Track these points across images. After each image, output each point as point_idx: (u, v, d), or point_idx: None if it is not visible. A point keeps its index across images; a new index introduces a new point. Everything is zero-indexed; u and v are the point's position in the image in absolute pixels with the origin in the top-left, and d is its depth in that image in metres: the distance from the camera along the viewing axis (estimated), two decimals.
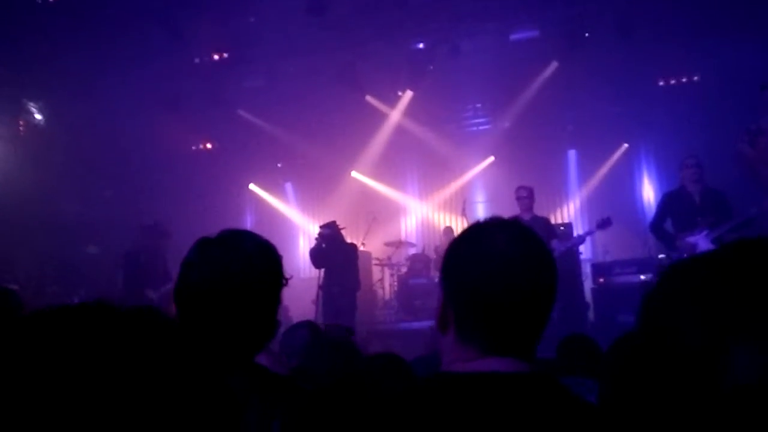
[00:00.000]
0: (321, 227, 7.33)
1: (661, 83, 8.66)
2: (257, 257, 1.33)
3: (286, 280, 1.38)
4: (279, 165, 11.28)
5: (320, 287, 7.12)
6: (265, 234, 1.44)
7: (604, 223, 6.59)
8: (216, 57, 8.68)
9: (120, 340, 0.51)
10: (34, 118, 9.29)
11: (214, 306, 1.26)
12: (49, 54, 7.88)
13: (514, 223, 1.11)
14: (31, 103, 9.23)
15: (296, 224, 11.63)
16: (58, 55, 7.93)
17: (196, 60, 8.72)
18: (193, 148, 10.75)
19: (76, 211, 8.82)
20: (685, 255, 5.62)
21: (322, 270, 7.14)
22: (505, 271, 1.02)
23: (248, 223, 10.97)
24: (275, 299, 1.35)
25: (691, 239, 5.61)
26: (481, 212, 10.20)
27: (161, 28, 7.80)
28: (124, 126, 8.81)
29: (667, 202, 6.02)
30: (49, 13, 7.39)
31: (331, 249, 7.11)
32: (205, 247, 1.34)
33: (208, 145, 10.76)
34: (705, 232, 5.53)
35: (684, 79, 8.54)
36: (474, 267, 1.05)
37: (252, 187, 11.54)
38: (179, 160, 10.18)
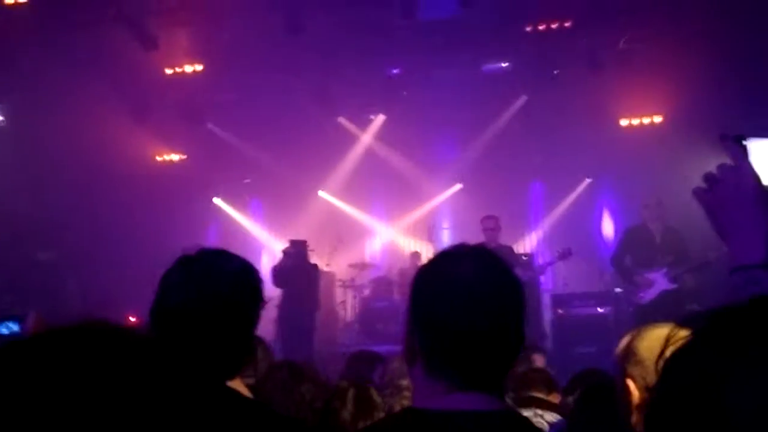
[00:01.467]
0: (289, 245, 7.26)
1: (624, 123, 8.95)
2: (241, 278, 1.31)
3: (265, 302, 1.37)
4: (246, 181, 11.16)
5: (279, 307, 7.02)
6: (228, 250, 1.42)
7: (564, 254, 6.72)
8: (189, 69, 8.59)
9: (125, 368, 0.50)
10: None
11: (196, 326, 1.23)
12: (14, 56, 7.67)
13: (482, 251, 1.09)
14: None
15: (260, 241, 11.48)
16: (23, 57, 7.73)
17: (168, 71, 8.62)
18: (158, 159, 10.56)
19: (31, 216, 8.53)
20: (642, 290, 5.77)
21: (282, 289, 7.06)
22: (473, 302, 1.00)
23: (211, 238, 10.77)
24: (255, 320, 1.34)
25: (650, 276, 5.76)
26: (446, 238, 10.27)
27: (133, 37, 7.69)
28: (87, 132, 8.61)
29: (628, 238, 6.19)
30: (15, 16, 7.21)
31: (295, 269, 7.04)
32: (187, 266, 1.30)
33: (174, 157, 10.58)
34: (664, 270, 5.70)
35: (646, 120, 8.85)
36: (441, 298, 1.02)
37: (216, 201, 11.37)
38: (143, 170, 9.97)
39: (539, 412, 2.47)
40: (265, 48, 8.17)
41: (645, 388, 1.14)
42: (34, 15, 7.22)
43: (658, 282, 5.69)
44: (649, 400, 0.58)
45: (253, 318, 1.33)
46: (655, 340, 1.31)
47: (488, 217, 6.85)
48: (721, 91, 7.76)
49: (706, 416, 0.49)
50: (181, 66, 8.55)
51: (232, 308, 1.27)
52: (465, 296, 1.00)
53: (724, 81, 7.66)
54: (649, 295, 5.71)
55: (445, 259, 1.09)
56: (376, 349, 7.59)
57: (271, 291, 7.39)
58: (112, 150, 9.06)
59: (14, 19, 7.20)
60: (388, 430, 1.02)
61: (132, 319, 5.88)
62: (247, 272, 1.34)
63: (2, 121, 9.02)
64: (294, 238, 7.54)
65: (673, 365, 0.54)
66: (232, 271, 1.30)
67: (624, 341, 1.31)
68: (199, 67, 8.58)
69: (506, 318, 1.01)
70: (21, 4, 7.02)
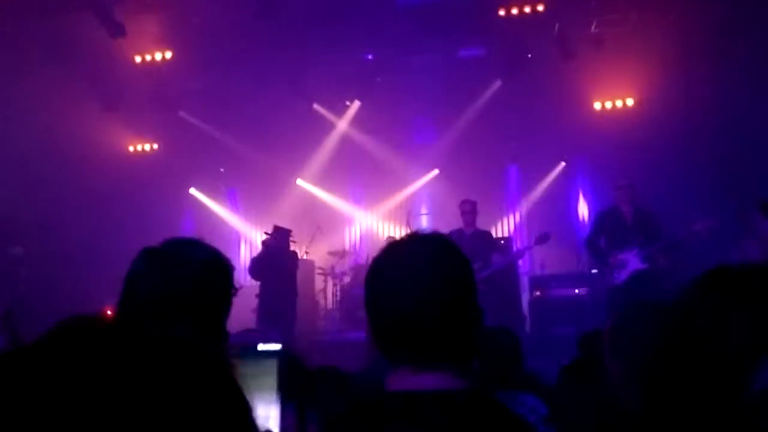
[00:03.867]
0: (269, 234, 7.20)
1: (598, 106, 9.05)
2: (208, 267, 1.28)
3: (236, 290, 1.33)
4: (222, 170, 11.03)
5: (258, 296, 6.99)
6: (206, 240, 1.39)
7: (542, 238, 6.80)
8: (158, 56, 8.42)
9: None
10: None
11: (162, 318, 1.21)
12: None
13: (427, 237, 1.11)
14: None
15: (238, 231, 11.39)
16: None
17: (137, 59, 8.43)
18: (131, 149, 10.37)
19: (1, 211, 8.32)
20: (616, 271, 5.88)
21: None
22: (413, 285, 1.01)
23: (187, 229, 10.65)
24: (225, 310, 1.31)
25: (623, 256, 5.87)
26: (424, 224, 10.30)
27: (100, 24, 7.50)
28: (57, 123, 8.41)
29: (601, 220, 6.29)
30: None
31: (275, 258, 7.00)
32: (151, 257, 1.27)
33: (147, 147, 10.40)
34: (636, 251, 5.81)
35: (619, 103, 8.96)
36: (383, 285, 1.05)
37: (192, 191, 11.23)
38: (116, 161, 9.79)
39: None
40: (236, 34, 8.04)
41: (634, 364, 1.16)
42: None
43: (631, 262, 5.80)
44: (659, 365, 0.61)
45: (223, 307, 1.30)
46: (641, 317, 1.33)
47: (465, 201, 6.89)
48: (691, 73, 7.89)
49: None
50: (150, 53, 8.38)
51: (198, 298, 1.24)
52: (405, 280, 1.02)
53: (695, 63, 7.78)
54: (622, 275, 5.82)
55: (389, 247, 1.11)
56: (358, 336, 7.65)
57: (250, 280, 7.35)
58: (82, 141, 8.87)
59: None
60: (350, 414, 1.03)
61: (109, 313, 5.80)
62: (215, 261, 1.30)
63: None
64: (277, 224, 7.46)
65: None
66: (198, 260, 1.27)
67: (612, 319, 1.33)
68: (168, 54, 8.42)
69: (448, 300, 1.02)
70: None
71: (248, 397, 0.53)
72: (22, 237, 8.83)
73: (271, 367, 1.26)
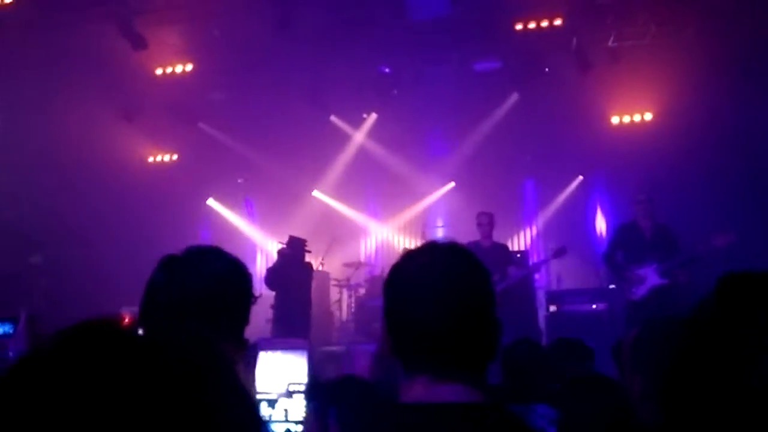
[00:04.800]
0: (288, 241, 7.23)
1: (615, 120, 8.99)
2: (226, 276, 1.28)
3: (255, 298, 1.33)
4: (240, 181, 11.13)
5: (273, 306, 7.01)
6: (219, 248, 1.39)
7: (559, 252, 6.74)
8: (179, 69, 8.56)
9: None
10: None
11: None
12: (2, 57, 7.61)
13: (443, 247, 1.10)
14: None
15: (254, 241, 11.45)
16: (11, 58, 7.67)
17: (158, 71, 8.58)
18: (151, 160, 10.51)
19: (21, 219, 8.47)
20: (634, 286, 5.81)
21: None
22: (428, 297, 1.00)
23: (205, 239, 10.74)
24: (244, 318, 1.30)
25: (641, 272, 5.80)
26: (440, 236, 10.28)
27: (122, 37, 7.65)
28: (79, 134, 8.56)
29: (619, 235, 6.23)
30: (3, 16, 7.16)
31: (290, 269, 7.03)
32: (171, 265, 1.28)
33: (166, 158, 10.54)
34: (654, 266, 5.73)
35: (637, 118, 8.89)
36: (402, 295, 1.04)
37: (210, 201, 11.33)
38: (135, 171, 9.93)
39: None
40: (255, 47, 8.15)
41: (653, 380, 1.14)
42: (21, 16, 7.17)
43: (650, 277, 5.73)
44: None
45: (242, 316, 1.30)
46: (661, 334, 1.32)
47: (482, 214, 6.87)
48: (710, 87, 7.82)
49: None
50: (171, 65, 8.52)
51: (217, 306, 1.24)
52: (421, 292, 1.01)
53: (714, 77, 7.71)
54: (641, 291, 5.74)
55: (406, 257, 1.11)
56: (372, 348, 7.62)
57: (265, 290, 7.38)
58: (103, 152, 9.02)
59: (1, 20, 7.15)
60: (363, 423, 1.02)
61: (126, 321, 5.85)
62: (233, 270, 1.30)
63: None
64: (293, 235, 7.50)
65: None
66: (218, 268, 1.27)
67: (630, 335, 1.32)
68: (189, 67, 8.55)
69: (467, 310, 1.01)
70: (7, 5, 6.98)
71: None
72: (43, 245, 8.97)
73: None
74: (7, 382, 0.48)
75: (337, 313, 9.62)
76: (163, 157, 10.52)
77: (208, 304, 1.23)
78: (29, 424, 0.45)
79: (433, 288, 1.01)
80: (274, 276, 7.08)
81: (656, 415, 1.23)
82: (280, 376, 2.48)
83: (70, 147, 8.63)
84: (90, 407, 0.46)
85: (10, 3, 6.95)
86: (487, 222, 6.75)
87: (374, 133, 10.25)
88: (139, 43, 7.76)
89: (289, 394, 2.33)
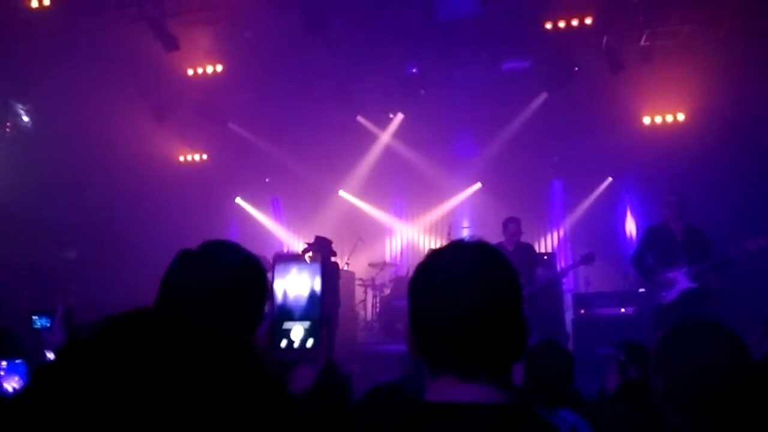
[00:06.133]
0: (310, 244, 7.28)
1: (647, 120, 8.82)
2: (239, 271, 1.28)
3: (270, 294, 1.32)
4: (267, 180, 11.26)
5: None
6: (249, 249, 1.39)
7: (587, 259, 6.65)
8: (209, 69, 8.69)
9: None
10: (22, 120, 9.21)
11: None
12: (39, 58, 7.83)
13: (471, 245, 1.09)
14: (19, 105, 9.15)
15: (281, 240, 11.57)
16: (48, 59, 7.89)
17: (189, 71, 8.73)
18: (181, 159, 10.70)
19: (55, 216, 8.70)
20: (664, 290, 5.69)
21: None
22: (457, 295, 0.99)
23: (233, 237, 10.88)
24: (259, 312, 1.30)
25: (671, 275, 5.68)
26: (466, 237, 10.22)
27: (155, 38, 7.80)
28: (111, 133, 8.76)
29: (649, 237, 6.11)
30: (41, 18, 7.36)
31: None
32: (185, 259, 1.29)
33: (196, 157, 10.72)
34: (685, 269, 5.61)
35: (669, 118, 8.72)
36: (427, 294, 1.03)
37: (238, 200, 11.49)
38: (165, 170, 10.12)
39: None
40: (284, 47, 8.23)
41: (676, 384, 1.13)
42: (56, 18, 7.36)
43: (680, 281, 5.61)
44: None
45: (256, 309, 1.29)
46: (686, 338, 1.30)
47: (510, 220, 6.78)
48: (743, 87, 7.62)
49: None
50: (202, 66, 8.66)
51: (231, 299, 1.23)
52: (448, 290, 1.00)
53: (748, 77, 7.51)
54: (671, 294, 5.63)
55: (433, 255, 1.10)
56: (396, 348, 7.63)
57: None
58: (135, 151, 9.21)
59: (37, 22, 7.35)
60: (382, 420, 1.03)
61: None
62: (248, 263, 1.30)
63: (28, 122, 9.22)
64: (319, 235, 7.55)
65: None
66: (232, 262, 1.27)
67: (657, 339, 1.31)
68: (219, 67, 8.68)
69: (495, 309, 0.99)
70: (44, 7, 7.17)
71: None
72: (76, 241, 9.20)
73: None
74: (62, 368, 0.49)
75: (362, 313, 9.66)
76: (193, 156, 10.70)
77: (222, 297, 1.23)
78: (94, 411, 0.46)
79: (460, 286, 1.00)
80: None
81: (677, 416, 1.21)
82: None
83: (104, 147, 8.84)
84: (154, 395, 0.47)
85: (47, 6, 7.14)
86: (513, 230, 6.66)
87: (401, 134, 10.25)
88: (172, 44, 7.91)
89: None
